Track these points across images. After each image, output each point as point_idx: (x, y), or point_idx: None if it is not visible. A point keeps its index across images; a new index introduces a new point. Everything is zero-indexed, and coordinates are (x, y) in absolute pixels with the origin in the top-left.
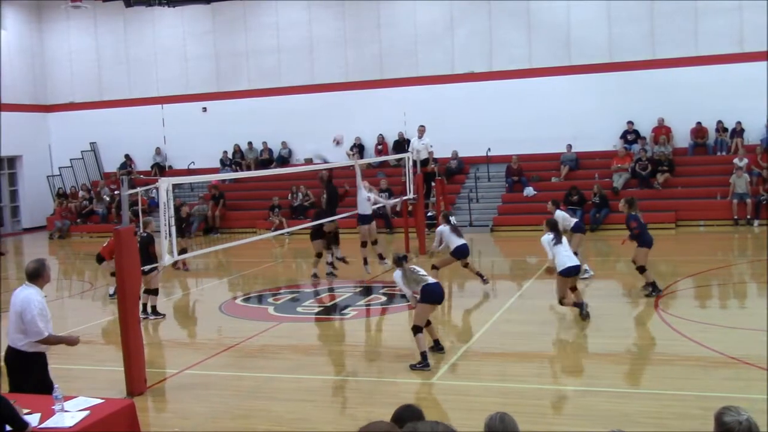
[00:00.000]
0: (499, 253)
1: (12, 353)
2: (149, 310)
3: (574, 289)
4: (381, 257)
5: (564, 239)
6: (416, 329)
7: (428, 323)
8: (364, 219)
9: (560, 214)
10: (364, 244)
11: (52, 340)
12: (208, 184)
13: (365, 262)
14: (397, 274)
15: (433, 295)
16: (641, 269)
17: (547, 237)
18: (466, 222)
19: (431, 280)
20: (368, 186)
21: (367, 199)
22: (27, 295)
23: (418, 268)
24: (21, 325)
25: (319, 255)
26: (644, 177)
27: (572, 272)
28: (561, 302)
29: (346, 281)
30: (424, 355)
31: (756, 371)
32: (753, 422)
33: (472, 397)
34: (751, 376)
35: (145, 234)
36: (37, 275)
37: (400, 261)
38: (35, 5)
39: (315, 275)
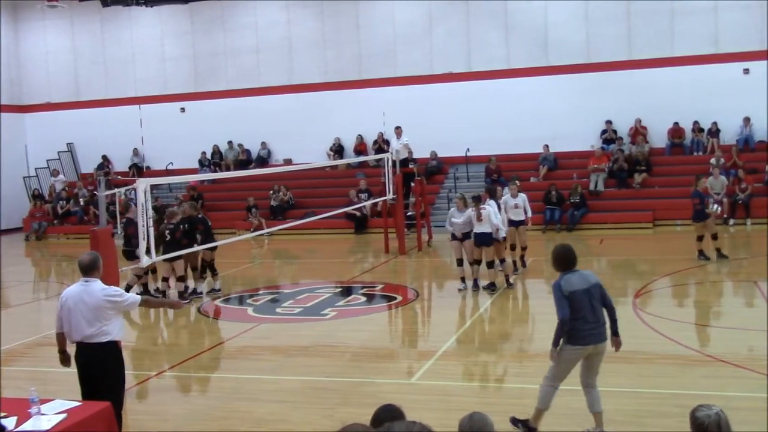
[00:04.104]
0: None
1: (87, 349)
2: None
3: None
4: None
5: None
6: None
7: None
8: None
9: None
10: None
11: (152, 302)
12: (186, 184)
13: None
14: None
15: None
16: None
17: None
18: (444, 222)
19: (478, 228)
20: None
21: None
22: (96, 284)
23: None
24: (99, 314)
25: (194, 269)
26: (622, 177)
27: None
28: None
29: (327, 282)
30: (462, 279)
31: (731, 369)
32: (723, 416)
33: (452, 397)
34: (727, 374)
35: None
36: (93, 267)
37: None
38: (11, 5)
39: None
